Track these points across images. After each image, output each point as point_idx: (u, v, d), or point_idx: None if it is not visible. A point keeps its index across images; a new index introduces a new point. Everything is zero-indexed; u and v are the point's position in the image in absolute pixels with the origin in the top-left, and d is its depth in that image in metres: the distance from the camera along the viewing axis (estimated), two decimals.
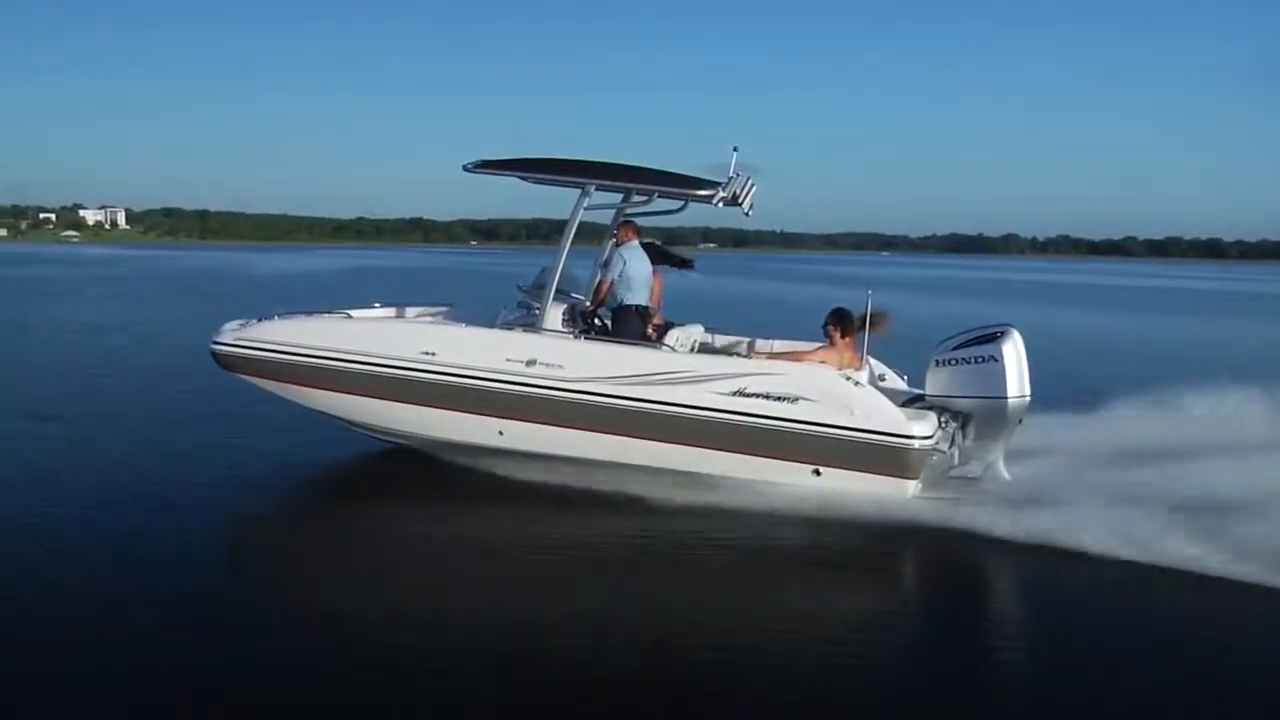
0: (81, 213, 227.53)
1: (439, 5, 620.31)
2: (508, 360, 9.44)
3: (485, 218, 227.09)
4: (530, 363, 9.39)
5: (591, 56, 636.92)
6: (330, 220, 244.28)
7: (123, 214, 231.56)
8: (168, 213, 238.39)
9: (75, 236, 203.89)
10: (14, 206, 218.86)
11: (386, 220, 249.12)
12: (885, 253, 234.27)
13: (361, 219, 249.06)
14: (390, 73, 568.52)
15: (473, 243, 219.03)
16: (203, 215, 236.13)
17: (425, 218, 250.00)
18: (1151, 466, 9.15)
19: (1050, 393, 10.63)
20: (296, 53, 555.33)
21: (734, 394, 8.95)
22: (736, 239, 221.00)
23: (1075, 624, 6.91)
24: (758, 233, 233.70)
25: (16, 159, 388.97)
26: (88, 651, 5.98)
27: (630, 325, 9.91)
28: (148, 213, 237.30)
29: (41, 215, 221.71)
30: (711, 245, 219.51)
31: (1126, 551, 7.71)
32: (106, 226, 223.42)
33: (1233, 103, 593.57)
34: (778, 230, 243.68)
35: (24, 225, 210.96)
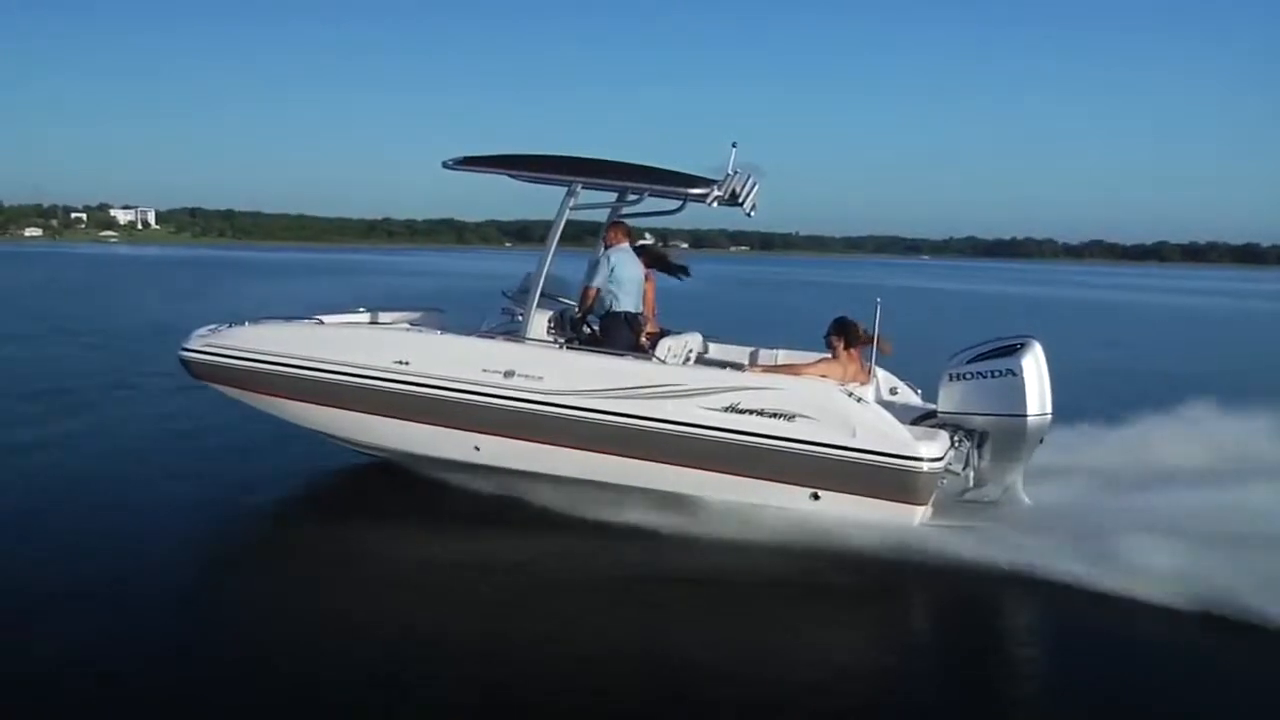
0: (112, 212, 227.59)
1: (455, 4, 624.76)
2: (485, 371, 8.79)
3: (512, 218, 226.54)
4: (508, 374, 8.72)
5: (612, 54, 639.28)
6: (357, 221, 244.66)
7: (153, 214, 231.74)
8: (192, 213, 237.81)
9: (114, 237, 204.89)
10: (35, 206, 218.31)
11: (414, 221, 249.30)
12: (926, 256, 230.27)
13: (389, 219, 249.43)
14: (401, 71, 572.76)
15: (507, 244, 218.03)
16: (228, 215, 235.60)
17: (455, 218, 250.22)
18: (1192, 490, 8.33)
19: (1076, 406, 9.89)
20: (305, 52, 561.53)
21: (725, 410, 8.23)
22: (764, 242, 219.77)
23: (1099, 673, 6.17)
24: (784, 236, 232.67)
25: (23, 158, 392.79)
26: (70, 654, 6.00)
27: (619, 333, 9.23)
28: (171, 212, 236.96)
29: (73, 215, 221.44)
30: (744, 248, 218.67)
31: (1161, 591, 6.91)
32: (139, 227, 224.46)
33: (1263, 105, 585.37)
34: (795, 233, 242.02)
35: (54, 223, 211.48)
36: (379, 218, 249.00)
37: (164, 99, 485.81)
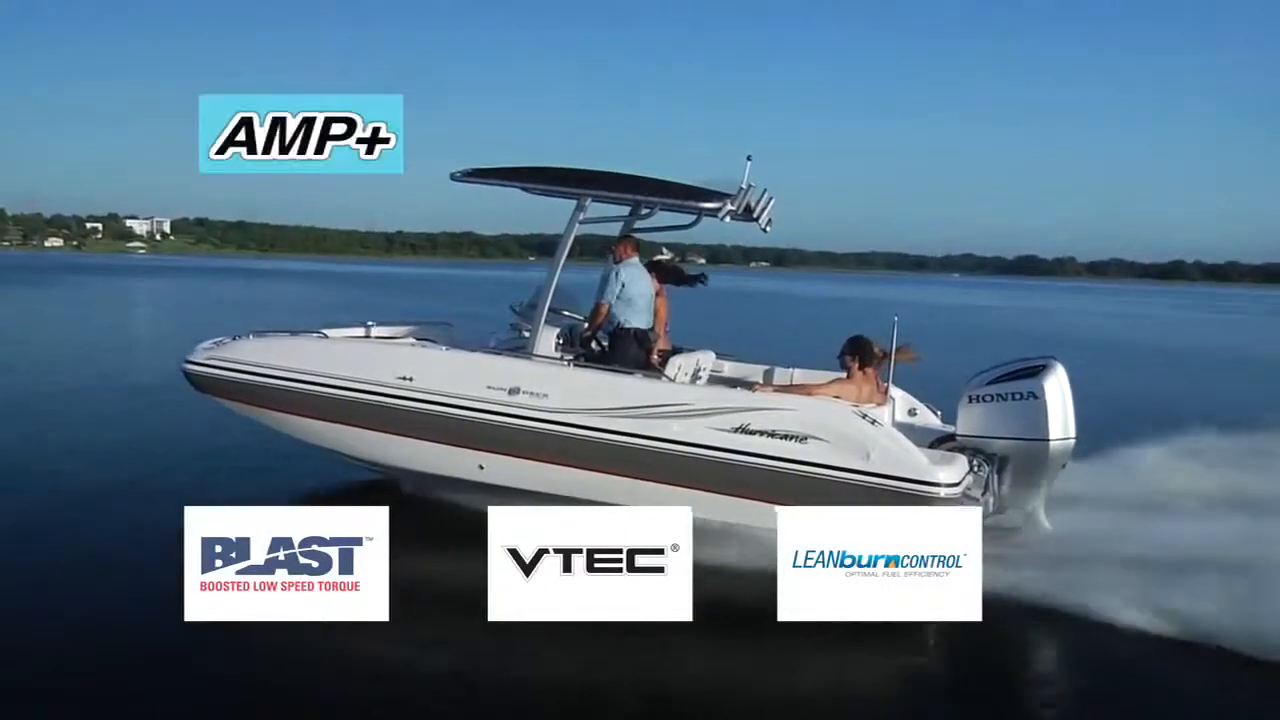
0: (128, 223, 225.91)
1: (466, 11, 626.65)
2: (489, 388, 8.57)
3: (528, 232, 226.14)
4: (513, 391, 8.51)
5: (628, 66, 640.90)
6: (375, 234, 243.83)
7: (168, 224, 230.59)
8: (200, 222, 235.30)
9: (141, 248, 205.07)
10: (36, 215, 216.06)
11: (425, 234, 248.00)
12: (957, 274, 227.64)
13: (402, 232, 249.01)
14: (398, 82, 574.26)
15: (530, 258, 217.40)
16: (240, 226, 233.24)
17: (474, 231, 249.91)
18: (1231, 520, 8.04)
19: (1102, 429, 9.57)
20: (301, 57, 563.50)
21: (734, 431, 7.98)
22: (778, 258, 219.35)
23: (1116, 711, 5.99)
24: (797, 251, 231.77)
25: (17, 166, 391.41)
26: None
27: (627, 350, 9.01)
28: (178, 222, 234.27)
29: (88, 225, 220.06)
30: (763, 264, 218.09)
31: (1185, 628, 6.60)
32: (157, 237, 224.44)
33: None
34: (793, 249, 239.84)
35: (65, 233, 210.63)
36: (392, 230, 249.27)
37: (158, 104, 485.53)
